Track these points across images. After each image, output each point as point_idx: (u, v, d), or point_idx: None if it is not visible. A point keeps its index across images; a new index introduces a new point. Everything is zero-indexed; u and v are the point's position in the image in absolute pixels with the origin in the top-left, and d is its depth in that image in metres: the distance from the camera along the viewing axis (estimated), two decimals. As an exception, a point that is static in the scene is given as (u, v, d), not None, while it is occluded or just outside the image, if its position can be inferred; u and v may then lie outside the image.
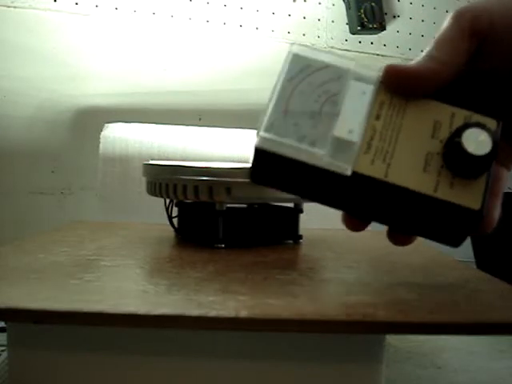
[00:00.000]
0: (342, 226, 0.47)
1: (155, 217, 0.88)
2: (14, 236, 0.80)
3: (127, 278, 0.58)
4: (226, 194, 0.71)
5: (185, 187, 0.72)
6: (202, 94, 1.65)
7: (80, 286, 0.51)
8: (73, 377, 0.50)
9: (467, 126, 0.42)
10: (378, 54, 1.78)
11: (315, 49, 0.46)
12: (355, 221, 0.47)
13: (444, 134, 0.43)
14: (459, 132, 0.42)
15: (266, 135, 0.43)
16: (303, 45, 0.46)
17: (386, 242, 0.48)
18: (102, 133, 1.29)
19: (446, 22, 0.45)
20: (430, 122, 0.44)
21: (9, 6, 1.47)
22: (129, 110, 1.58)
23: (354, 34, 1.72)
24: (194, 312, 0.43)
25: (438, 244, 0.47)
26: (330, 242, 0.83)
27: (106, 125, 1.30)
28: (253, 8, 1.66)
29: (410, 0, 1.80)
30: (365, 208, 0.45)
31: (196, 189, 0.72)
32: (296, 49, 0.46)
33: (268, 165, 0.44)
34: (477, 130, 0.41)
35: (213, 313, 0.42)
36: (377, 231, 0.53)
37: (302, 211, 0.80)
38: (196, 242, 0.77)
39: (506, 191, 0.47)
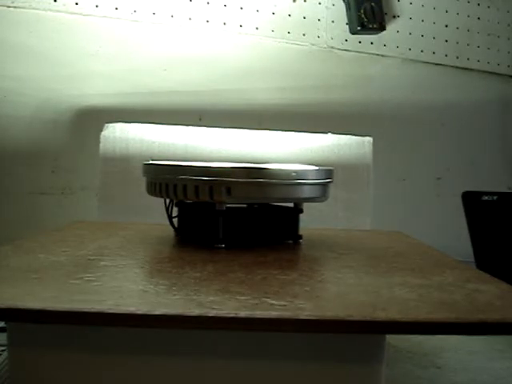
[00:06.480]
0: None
1: (155, 217, 0.88)
2: (14, 236, 0.80)
3: (127, 278, 0.58)
4: (226, 194, 0.71)
5: (185, 187, 0.72)
6: (202, 94, 1.65)
7: (80, 286, 0.51)
8: (72, 376, 0.50)
9: None
10: (377, 54, 1.78)
11: None
12: None
13: None
14: None
15: None
16: None
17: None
18: (102, 133, 1.29)
19: None
20: None
21: (9, 6, 1.47)
22: (129, 109, 1.58)
23: (354, 33, 1.72)
24: (194, 312, 0.43)
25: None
26: (329, 242, 0.83)
27: (106, 125, 1.30)
28: (253, 8, 1.66)
29: (410, 0, 1.80)
30: None
31: (196, 189, 0.72)
32: None
33: None
34: None
35: (213, 313, 0.42)
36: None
37: (301, 211, 0.80)
38: (196, 242, 0.77)
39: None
